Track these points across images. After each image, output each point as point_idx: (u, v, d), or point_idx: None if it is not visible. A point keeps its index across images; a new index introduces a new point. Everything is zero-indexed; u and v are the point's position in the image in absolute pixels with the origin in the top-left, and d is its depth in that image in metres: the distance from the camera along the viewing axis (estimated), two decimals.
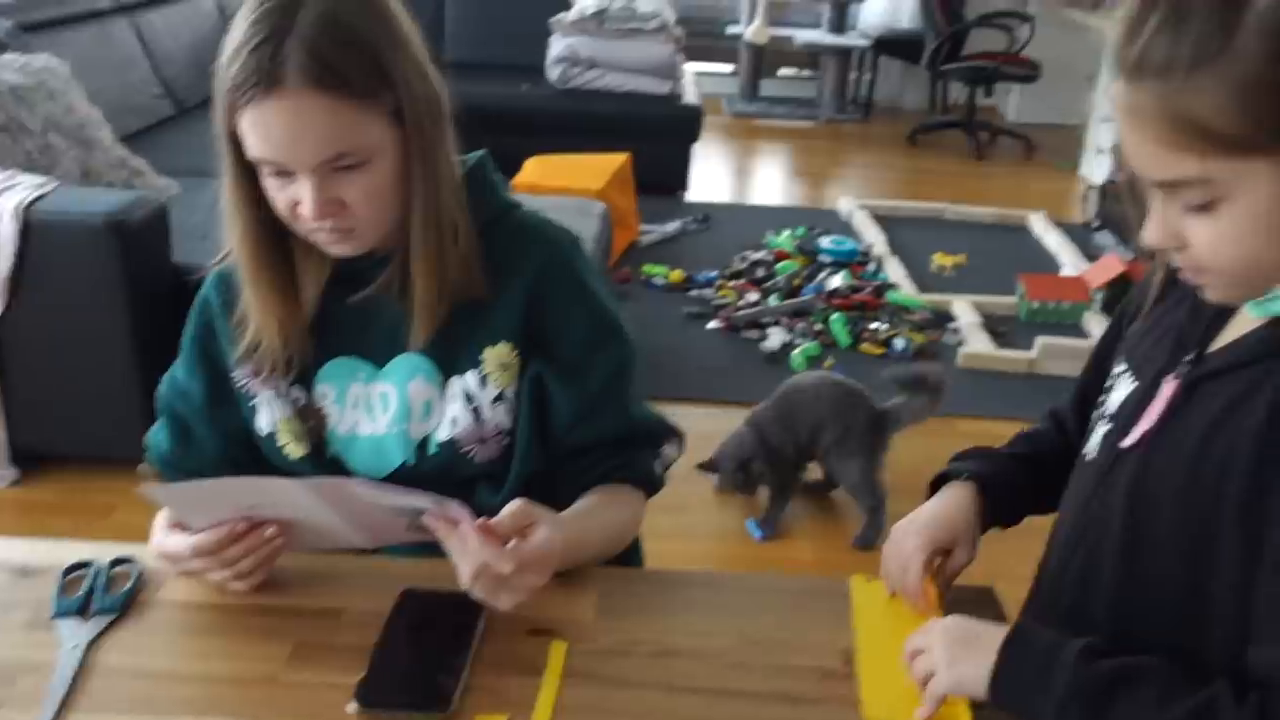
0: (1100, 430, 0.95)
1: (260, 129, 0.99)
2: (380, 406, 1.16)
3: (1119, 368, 0.97)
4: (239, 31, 1.00)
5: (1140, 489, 0.87)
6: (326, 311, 1.14)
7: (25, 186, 2.48)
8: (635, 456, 1.21)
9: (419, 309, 1.10)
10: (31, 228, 2.39)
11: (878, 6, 6.46)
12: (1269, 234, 0.74)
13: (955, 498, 1.06)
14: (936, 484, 1.11)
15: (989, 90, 6.10)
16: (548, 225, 1.21)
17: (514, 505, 0.99)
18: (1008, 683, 0.84)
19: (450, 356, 1.15)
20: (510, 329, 1.14)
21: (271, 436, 1.17)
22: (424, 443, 1.16)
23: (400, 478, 1.15)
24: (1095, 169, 5.22)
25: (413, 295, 1.10)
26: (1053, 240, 4.35)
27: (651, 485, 1.23)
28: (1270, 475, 0.76)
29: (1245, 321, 0.84)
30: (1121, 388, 0.95)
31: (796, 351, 3.31)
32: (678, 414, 2.97)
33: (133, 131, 3.59)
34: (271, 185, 1.03)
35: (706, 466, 2.56)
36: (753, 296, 3.71)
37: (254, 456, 1.19)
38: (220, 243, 1.14)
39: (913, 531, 1.03)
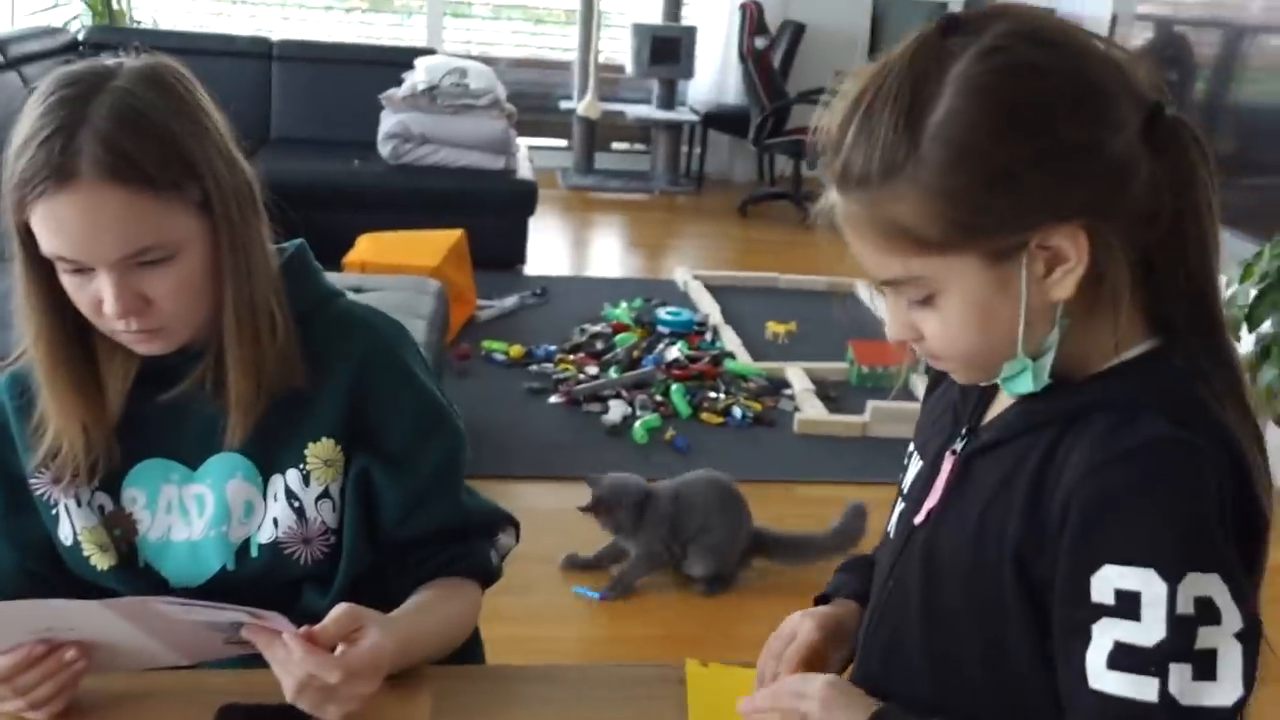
0: (898, 509, 0.98)
1: (53, 225, 0.94)
2: (196, 510, 1.10)
3: (910, 447, 0.99)
4: (28, 123, 0.95)
5: (931, 565, 0.89)
6: (134, 411, 1.08)
7: None
8: (470, 547, 1.18)
9: (235, 407, 1.05)
10: None
11: (704, 83, 6.68)
12: (985, 321, 0.79)
13: (846, 609, 1.05)
14: (819, 601, 1.10)
15: (812, 163, 6.37)
16: (370, 314, 1.18)
17: (339, 610, 0.95)
18: None
19: (270, 454, 1.10)
20: (333, 423, 1.10)
21: (75, 547, 1.09)
22: (245, 546, 1.10)
23: (220, 583, 1.09)
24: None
25: (228, 392, 1.05)
26: (880, 306, 4.52)
27: (488, 576, 1.20)
28: (1033, 551, 0.79)
29: (1007, 396, 0.87)
30: (913, 467, 0.97)
31: (638, 424, 3.32)
32: (521, 491, 2.99)
33: None
34: (70, 283, 0.98)
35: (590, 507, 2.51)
36: (592, 369, 3.72)
37: (56, 569, 1.11)
38: (18, 336, 1.06)
39: (810, 615, 1.02)
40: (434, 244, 3.89)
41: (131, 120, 0.94)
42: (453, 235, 4.01)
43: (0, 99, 4.20)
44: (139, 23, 6.00)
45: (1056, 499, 0.77)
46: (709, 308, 4.34)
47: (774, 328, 4.17)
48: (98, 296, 0.97)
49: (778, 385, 3.71)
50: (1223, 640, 0.73)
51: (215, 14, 6.43)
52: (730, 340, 4.02)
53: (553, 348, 3.88)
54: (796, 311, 4.38)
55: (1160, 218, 0.77)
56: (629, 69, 6.40)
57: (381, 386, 1.12)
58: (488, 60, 5.46)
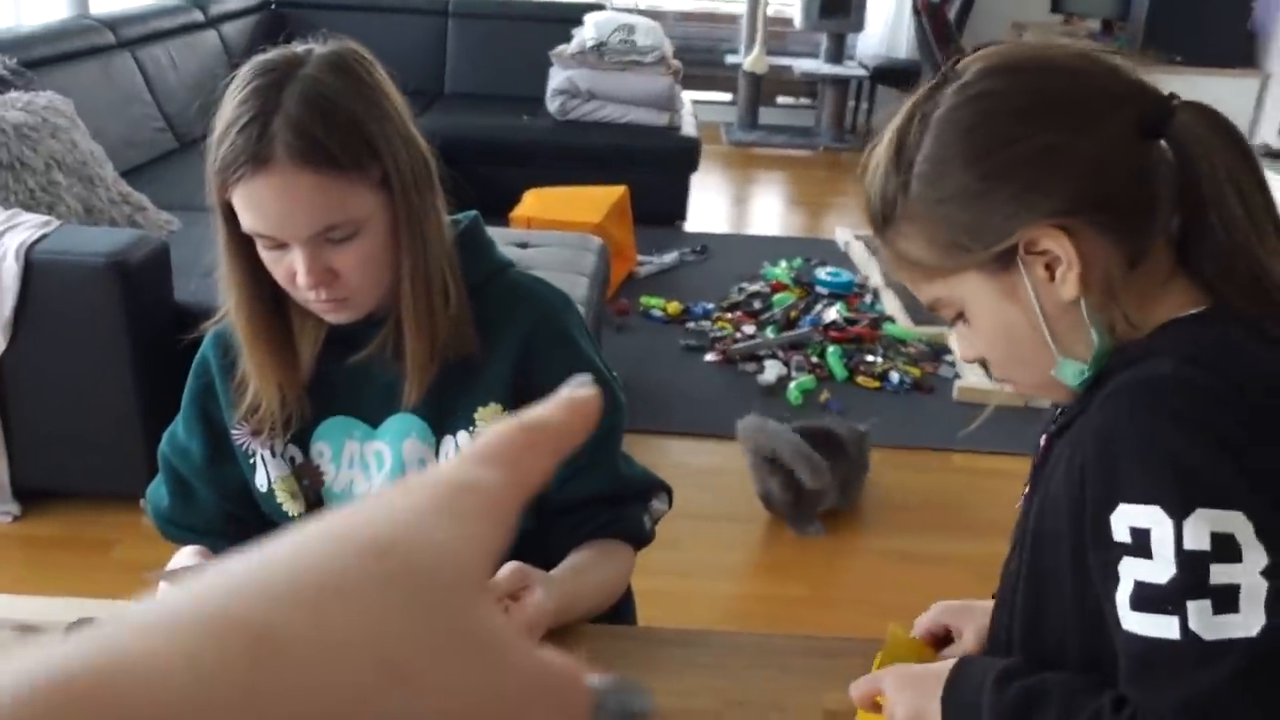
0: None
1: (252, 205, 1.02)
2: (375, 465, 1.19)
3: None
4: (228, 110, 1.02)
5: (1024, 538, 0.92)
6: (322, 373, 1.17)
7: (27, 226, 2.51)
8: (624, 512, 1.23)
9: (412, 370, 1.13)
10: (34, 268, 2.42)
11: (875, 37, 6.52)
12: (1008, 330, 0.85)
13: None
14: None
15: None
16: (538, 285, 1.23)
17: (509, 567, 1.02)
18: (952, 712, 0.88)
19: (443, 416, 1.17)
20: (500, 389, 1.16)
21: (270, 494, 1.19)
22: None
23: None
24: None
25: (405, 356, 1.12)
26: None
27: (641, 539, 1.25)
28: (1078, 513, 0.81)
29: None
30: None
31: (793, 385, 3.33)
32: (674, 447, 3.05)
33: (134, 166, 3.64)
34: (268, 257, 1.06)
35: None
36: (749, 329, 3.74)
37: (253, 512, 1.22)
38: (223, 299, 1.17)
39: (979, 630, 1.04)
40: (597, 200, 3.96)
41: (320, 106, 1.01)
42: (615, 191, 4.07)
43: (202, 56, 4.47)
44: None
45: (1081, 451, 0.80)
46: (869, 269, 4.28)
47: None
48: (292, 269, 1.05)
49: (938, 351, 3.64)
50: (1246, 576, 0.71)
51: None
52: (890, 303, 3.97)
53: (710, 306, 3.91)
54: None
55: (1161, 203, 0.81)
56: (798, 22, 6.30)
57: (546, 355, 1.17)
58: (656, 14, 5.49)
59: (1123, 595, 0.76)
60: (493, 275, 1.21)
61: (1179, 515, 0.72)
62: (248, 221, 1.03)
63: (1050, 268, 0.81)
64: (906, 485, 2.96)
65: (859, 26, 6.29)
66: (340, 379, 1.18)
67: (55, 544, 2.54)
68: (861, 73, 6.34)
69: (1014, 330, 0.84)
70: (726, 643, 1.09)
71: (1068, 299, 0.81)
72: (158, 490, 1.26)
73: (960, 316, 0.87)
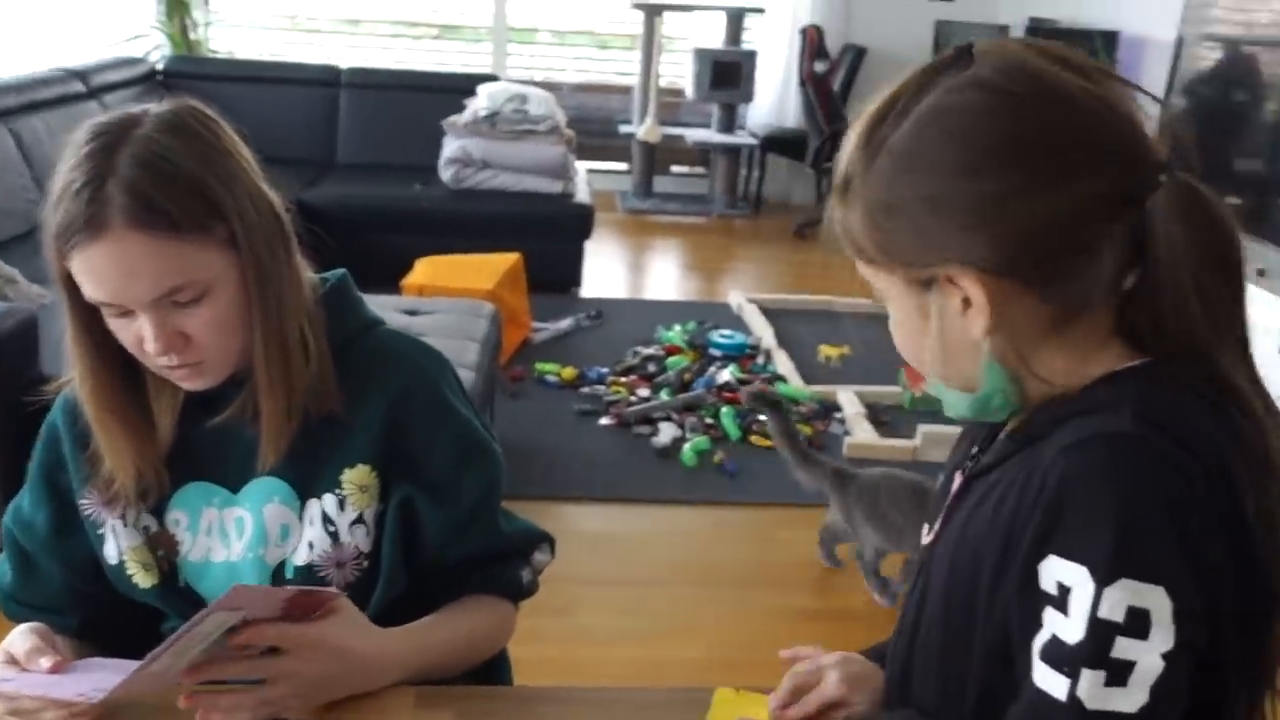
0: (924, 530, 1.00)
1: (90, 273, 0.99)
2: (235, 532, 1.15)
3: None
4: (62, 176, 0.99)
5: (926, 582, 0.92)
6: (181, 437, 1.13)
7: None
8: (503, 568, 1.22)
9: (267, 431, 1.10)
10: None
11: (764, 107, 6.70)
12: (912, 339, 0.85)
13: (877, 670, 1.06)
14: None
15: None
16: (409, 345, 1.22)
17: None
18: None
19: (308, 479, 1.14)
20: (369, 450, 1.14)
21: (120, 566, 1.14)
22: (280, 568, 1.14)
23: None
24: None
25: (261, 418, 1.10)
26: None
27: (519, 594, 1.24)
28: (1006, 560, 0.79)
29: (1011, 423, 0.89)
30: (937, 488, 1.00)
31: (687, 446, 3.34)
32: (568, 512, 3.02)
33: (8, 238, 3.52)
34: (114, 325, 1.03)
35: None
36: (644, 392, 3.75)
37: (101, 588, 1.16)
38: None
39: (837, 667, 1.04)
40: (491, 267, 3.95)
41: (156, 167, 0.98)
42: (509, 258, 4.07)
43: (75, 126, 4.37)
44: (215, 53, 6.20)
45: (1025, 503, 0.78)
46: (762, 331, 4.35)
47: (826, 351, 4.17)
48: (139, 335, 1.02)
49: (829, 409, 3.70)
50: (1145, 655, 0.71)
51: (288, 43, 6.62)
52: (782, 364, 4.03)
53: (605, 370, 3.92)
54: (850, 335, 4.36)
55: (1104, 274, 0.79)
56: (689, 93, 6.45)
57: (420, 419, 1.16)
58: (551, 85, 5.55)
59: (1039, 643, 0.76)
60: (360, 333, 1.19)
61: (1102, 581, 0.72)
62: (88, 290, 1.00)
63: (965, 304, 0.80)
64: (800, 543, 2.98)
65: (748, 97, 6.46)
66: (199, 443, 1.14)
67: None
68: (752, 141, 6.50)
69: (917, 340, 0.85)
70: (602, 699, 1.07)
71: (972, 339, 0.81)
72: (0, 566, 1.20)
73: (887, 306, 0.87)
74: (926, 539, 0.96)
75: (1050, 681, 0.74)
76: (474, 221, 4.70)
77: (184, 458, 1.14)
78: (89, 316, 1.05)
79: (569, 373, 3.85)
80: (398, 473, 1.15)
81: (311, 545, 1.14)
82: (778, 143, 6.54)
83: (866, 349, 4.26)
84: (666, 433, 3.44)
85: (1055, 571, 0.74)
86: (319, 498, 1.14)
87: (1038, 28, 5.24)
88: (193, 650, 0.93)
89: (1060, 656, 0.74)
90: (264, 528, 1.14)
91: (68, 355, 1.08)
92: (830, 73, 6.19)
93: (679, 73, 6.68)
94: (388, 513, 1.15)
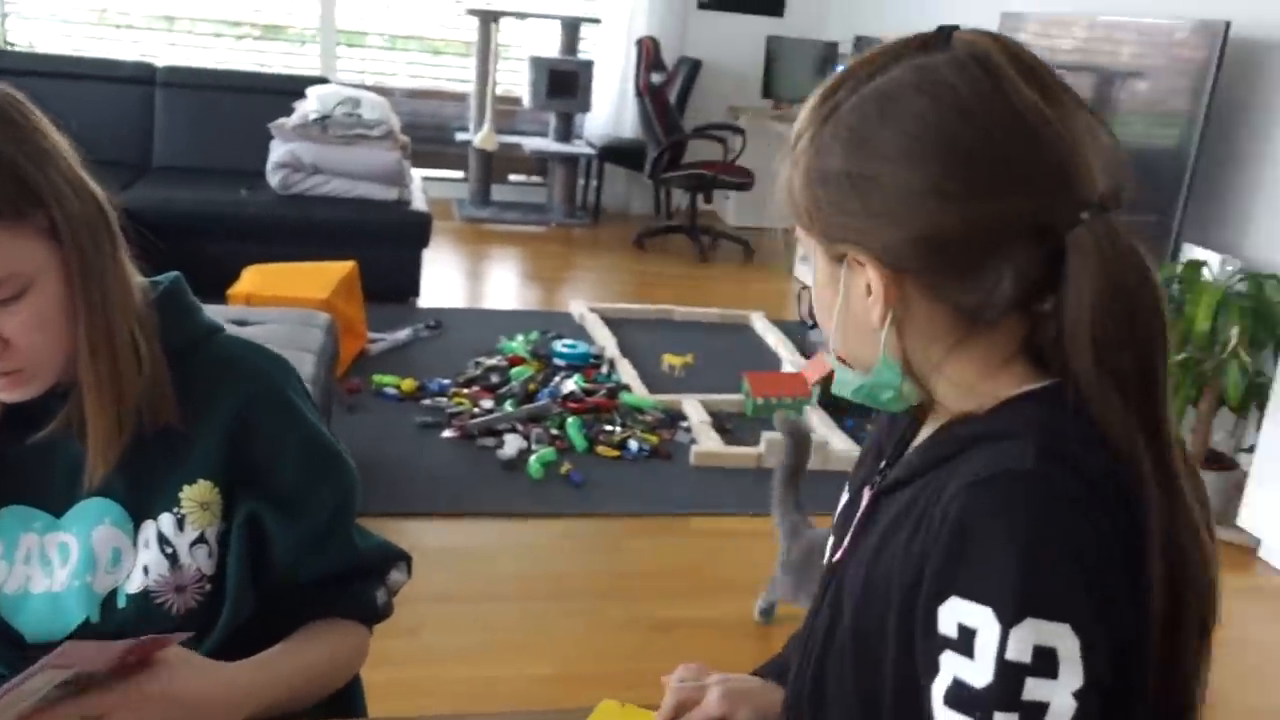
0: (828, 545, 0.98)
1: None
2: (59, 559, 1.04)
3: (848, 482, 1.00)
4: None
5: (836, 602, 0.89)
6: None
7: None
8: (356, 589, 1.15)
9: (94, 444, 1.00)
10: None
11: (601, 117, 6.71)
12: (822, 306, 0.86)
13: (762, 686, 1.04)
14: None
15: (708, 197, 6.44)
16: (252, 351, 1.13)
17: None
18: None
19: (142, 498, 1.04)
20: (211, 464, 1.05)
21: None
22: (111, 596, 1.04)
23: (82, 637, 1.03)
24: (806, 270, 5.58)
25: (88, 430, 0.99)
26: (773, 338, 4.59)
27: (374, 616, 1.17)
28: (914, 593, 0.77)
29: (925, 433, 0.88)
30: (841, 501, 0.98)
31: (533, 458, 3.29)
32: (413, 529, 2.92)
33: None
34: None
35: None
36: (487, 403, 3.68)
37: None
38: None
39: (719, 684, 1.01)
40: (324, 276, 3.80)
41: None
42: (344, 267, 3.93)
43: None
44: (13, 45, 5.79)
45: (930, 535, 0.76)
46: (605, 340, 4.33)
47: (670, 360, 4.19)
48: None
49: (674, 418, 3.71)
50: (1057, 695, 0.69)
51: (97, 39, 6.22)
52: (627, 373, 4.02)
53: (446, 381, 3.82)
54: (692, 344, 4.40)
55: (1005, 296, 0.78)
56: (526, 101, 6.40)
57: (267, 428, 1.07)
58: (383, 91, 5.40)
59: (939, 688, 0.73)
60: (199, 340, 1.10)
61: (1009, 622, 0.70)
62: None
63: (869, 289, 0.81)
64: (649, 552, 2.97)
65: (586, 107, 6.45)
66: (16, 463, 1.03)
67: None
68: (590, 151, 6.50)
69: (827, 310, 0.86)
70: None
71: (872, 324, 0.81)
72: None
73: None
74: (831, 555, 0.94)
75: None
76: (305, 229, 4.52)
77: (1, 480, 1.02)
78: None
79: (409, 384, 3.74)
80: (243, 487, 1.07)
81: (147, 570, 1.04)
82: (615, 152, 6.56)
83: (709, 358, 4.30)
84: (512, 445, 3.38)
85: (957, 613, 0.72)
86: (155, 518, 1.05)
87: (863, 45, 5.43)
88: (21, 705, 0.83)
89: (969, 701, 0.71)
90: (92, 553, 1.03)
91: None
92: (667, 84, 6.25)
93: (515, 80, 6.61)
94: (232, 531, 1.06)
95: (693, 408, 3.76)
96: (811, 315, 4.59)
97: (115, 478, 1.03)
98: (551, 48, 6.46)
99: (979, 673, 0.71)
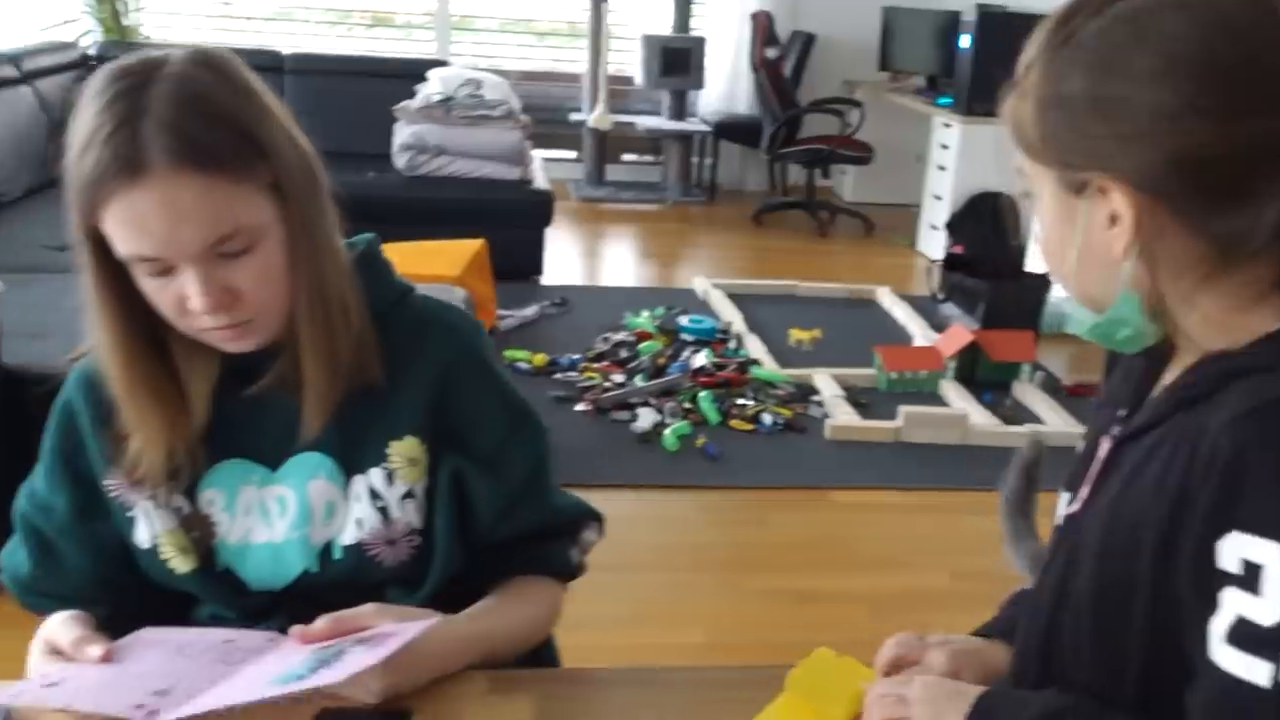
0: (1061, 500, 0.95)
1: (130, 222, 0.89)
2: (277, 511, 1.06)
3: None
4: (86, 123, 0.90)
5: (1073, 553, 0.86)
6: (214, 412, 1.04)
7: None
8: (551, 548, 1.15)
9: (310, 398, 1.02)
10: None
11: (715, 94, 6.66)
12: (1053, 243, 0.83)
13: (989, 646, 1.00)
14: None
15: (826, 172, 6.35)
16: (448, 311, 1.14)
17: (369, 608, 0.96)
18: None
19: (352, 453, 1.06)
20: (416, 421, 1.06)
21: (153, 551, 1.05)
22: (327, 548, 1.06)
23: (302, 586, 1.06)
24: (931, 244, 5.46)
25: (304, 385, 1.01)
26: (901, 312, 4.50)
27: (568, 574, 1.18)
28: (1175, 531, 0.75)
29: (1171, 375, 0.85)
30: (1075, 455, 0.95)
31: (668, 431, 3.29)
32: None
33: None
34: (150, 286, 0.93)
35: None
36: (618, 377, 3.69)
37: (130, 575, 1.07)
38: (73, 340, 1.03)
39: (942, 647, 0.97)
40: (455, 253, 3.85)
41: (193, 104, 0.90)
42: (473, 245, 3.97)
43: (18, 113, 4.18)
44: (148, 38, 5.99)
45: (1195, 471, 0.73)
46: (731, 315, 4.30)
47: (798, 335, 4.14)
48: (182, 295, 0.93)
49: (806, 392, 3.67)
50: None
51: (222, 30, 6.42)
52: (755, 347, 3.99)
53: (576, 356, 3.85)
54: (818, 319, 4.34)
55: (1265, 225, 0.73)
56: (639, 80, 6.39)
57: (468, 387, 1.08)
58: (498, 74, 5.44)
59: (1219, 625, 0.71)
60: (396, 300, 1.12)
61: None
62: (126, 244, 0.90)
63: (1113, 219, 0.77)
64: (789, 525, 2.95)
65: (699, 84, 6.42)
66: (233, 419, 1.05)
67: None
68: (704, 128, 6.46)
69: (1059, 247, 0.82)
70: (677, 679, 1.00)
71: (1113, 257, 0.78)
72: (14, 555, 1.09)
73: (1037, 200, 0.84)
74: (1067, 508, 0.91)
75: (1246, 667, 0.69)
76: (430, 209, 4.58)
77: (218, 434, 1.05)
78: (115, 280, 0.95)
79: (540, 359, 3.77)
80: (446, 444, 1.08)
81: (360, 523, 1.05)
82: (730, 129, 6.51)
83: (836, 332, 4.24)
84: (645, 418, 3.38)
85: (1239, 549, 0.69)
86: (365, 472, 1.06)
87: (986, 14, 5.27)
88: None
89: (1257, 639, 0.68)
90: (308, 505, 1.05)
91: (90, 328, 0.98)
92: (781, 59, 6.17)
93: (626, 60, 6.60)
94: (438, 487, 1.08)
95: (824, 382, 3.71)
96: (942, 289, 4.50)
97: (327, 433, 1.04)
98: (664, 25, 6.43)
99: (1268, 610, 0.68)
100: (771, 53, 6.02)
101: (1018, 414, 3.59)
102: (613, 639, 2.40)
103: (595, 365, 3.79)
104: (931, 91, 5.92)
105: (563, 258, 5.22)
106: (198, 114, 0.90)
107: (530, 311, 4.24)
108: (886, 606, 2.55)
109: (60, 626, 0.96)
